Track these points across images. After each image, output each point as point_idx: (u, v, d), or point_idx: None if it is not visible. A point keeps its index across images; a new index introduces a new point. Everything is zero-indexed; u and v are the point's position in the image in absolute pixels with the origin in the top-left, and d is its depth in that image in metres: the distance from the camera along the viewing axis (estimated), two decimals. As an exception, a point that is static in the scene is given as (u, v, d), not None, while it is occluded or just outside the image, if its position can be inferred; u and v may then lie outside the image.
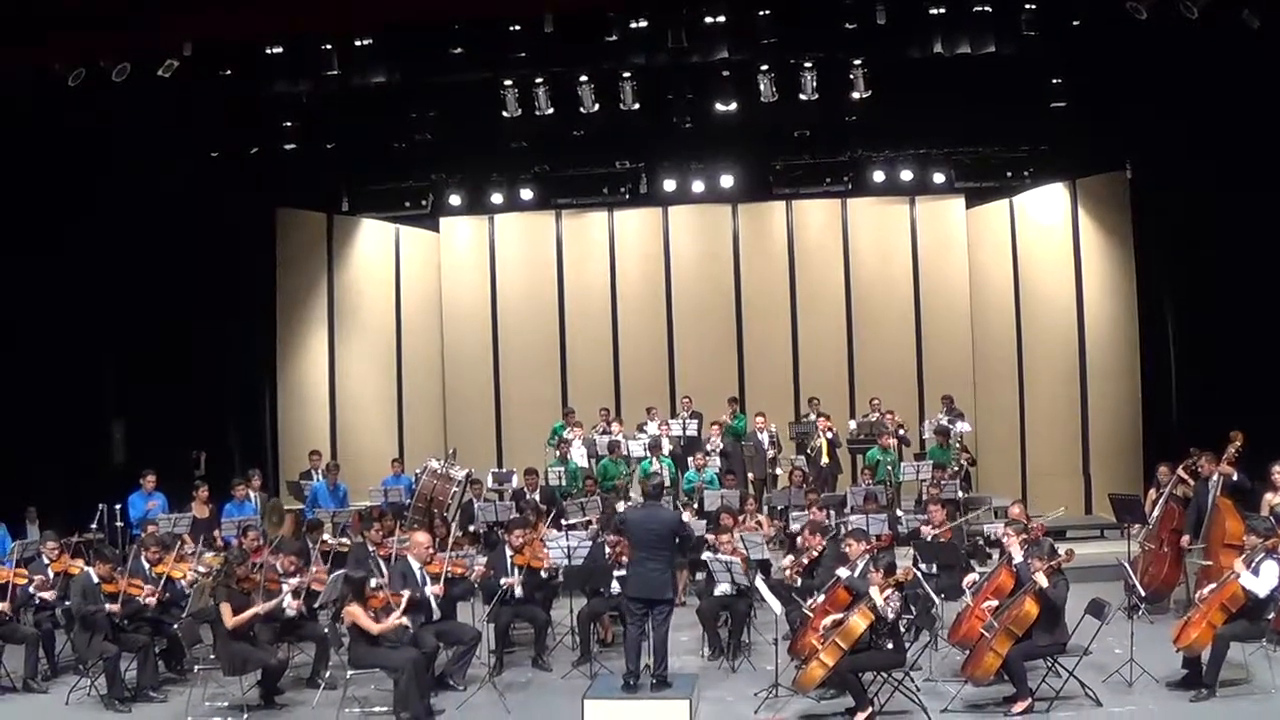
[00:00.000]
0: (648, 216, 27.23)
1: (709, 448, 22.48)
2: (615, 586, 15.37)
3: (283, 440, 25.13)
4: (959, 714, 12.96)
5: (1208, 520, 16.01)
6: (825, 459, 22.81)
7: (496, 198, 25.84)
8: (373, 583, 14.06)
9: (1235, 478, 16.14)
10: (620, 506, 18.73)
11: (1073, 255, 24.38)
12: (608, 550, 16.07)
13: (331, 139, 22.25)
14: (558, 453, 22.76)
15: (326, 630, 14.91)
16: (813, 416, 23.55)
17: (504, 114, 20.96)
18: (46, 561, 15.92)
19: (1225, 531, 15.42)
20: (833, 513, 18.74)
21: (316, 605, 14.90)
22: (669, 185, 25.32)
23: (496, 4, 18.39)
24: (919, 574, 14.42)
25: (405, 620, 13.46)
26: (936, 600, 14.51)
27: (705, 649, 15.73)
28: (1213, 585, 13.42)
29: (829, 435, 22.96)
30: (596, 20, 18.66)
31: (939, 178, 24.78)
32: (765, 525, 18.46)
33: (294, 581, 14.69)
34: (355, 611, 13.34)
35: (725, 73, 20.44)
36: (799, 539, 16.42)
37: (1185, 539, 16.31)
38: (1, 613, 14.68)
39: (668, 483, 21.11)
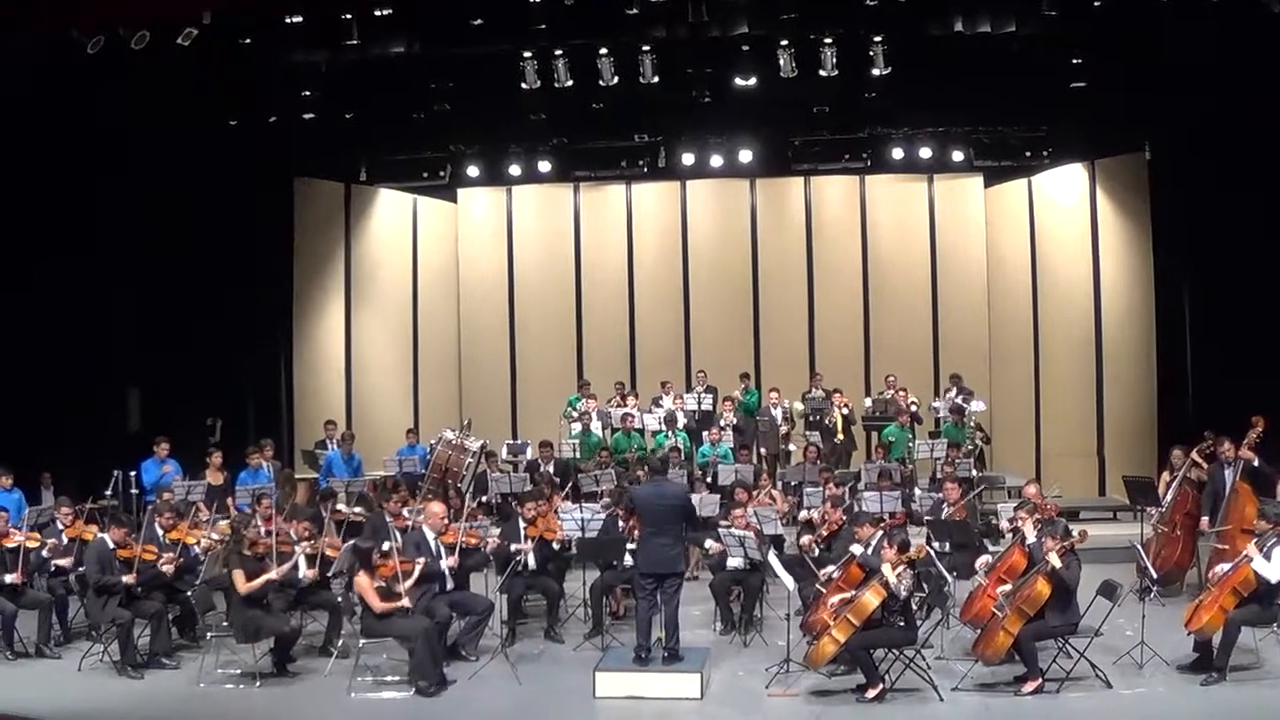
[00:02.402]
0: (666, 190, 27.18)
1: (722, 423, 22.46)
2: (628, 559, 15.39)
3: (298, 409, 25.17)
4: (970, 693, 12.96)
5: (1225, 504, 16.01)
6: (840, 435, 22.82)
7: (514, 169, 25.81)
8: (385, 545, 14.10)
9: (1256, 463, 16.12)
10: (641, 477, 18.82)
11: (1090, 236, 24.35)
12: (621, 523, 16.10)
13: (350, 109, 22.25)
14: (578, 424, 22.79)
15: (339, 599, 14.96)
16: (819, 392, 23.49)
17: (523, 86, 20.99)
18: (61, 527, 15.99)
19: (1243, 516, 15.38)
20: (847, 489, 18.76)
21: (330, 574, 14.96)
22: (687, 159, 25.27)
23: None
24: (932, 552, 14.45)
25: (406, 602, 13.48)
26: (949, 579, 14.53)
27: (717, 623, 15.75)
28: (1225, 567, 13.41)
29: (845, 411, 22.96)
30: (617, -7, 18.72)
31: (958, 156, 24.71)
32: (779, 501, 18.47)
33: (306, 546, 14.73)
34: (363, 584, 13.40)
35: (745, 47, 20.46)
36: (818, 512, 16.50)
37: (1204, 521, 16.28)
38: (15, 583, 14.73)
39: (682, 458, 21.09)
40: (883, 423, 22.77)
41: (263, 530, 14.84)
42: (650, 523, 13.67)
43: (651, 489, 14.15)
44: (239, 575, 13.72)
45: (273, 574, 13.91)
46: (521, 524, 15.63)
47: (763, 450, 22.57)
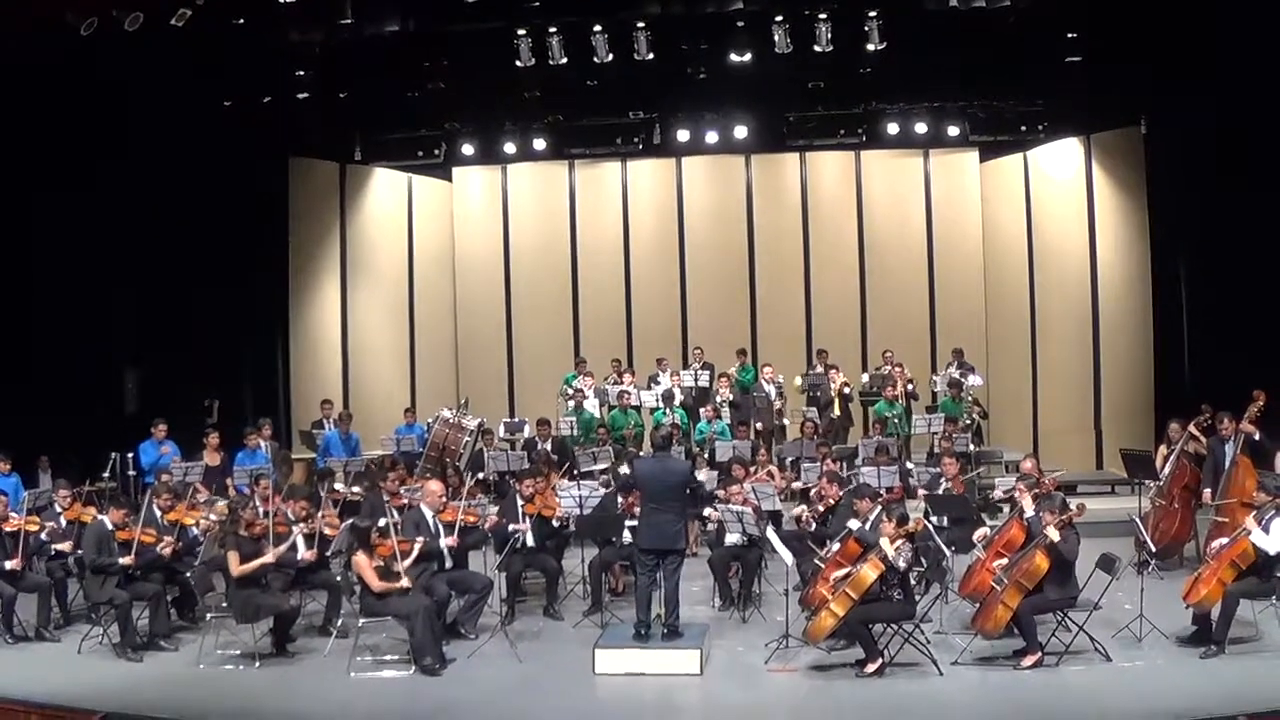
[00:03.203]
0: (661, 167, 27.16)
1: (719, 400, 22.47)
2: (627, 536, 15.40)
3: (295, 389, 25.19)
4: (969, 667, 12.98)
5: (1225, 478, 15.99)
6: (836, 411, 22.82)
7: (509, 147, 25.74)
8: (381, 522, 14.10)
9: (1257, 436, 16.11)
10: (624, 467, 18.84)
11: (1086, 210, 24.33)
12: (620, 500, 16.10)
13: (344, 88, 22.23)
14: (571, 402, 22.79)
15: (339, 578, 14.97)
16: (820, 369, 23.52)
17: (517, 63, 20.96)
18: (59, 510, 15.99)
19: (1244, 489, 15.38)
20: (844, 465, 18.76)
21: (329, 553, 14.97)
22: (682, 136, 25.18)
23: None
24: (930, 526, 14.46)
25: (405, 582, 13.50)
26: (947, 553, 14.54)
27: (716, 599, 15.77)
28: (1224, 541, 13.42)
29: (846, 391, 22.96)
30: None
31: (953, 131, 24.65)
32: (777, 476, 18.48)
33: (303, 526, 14.74)
34: (361, 563, 13.43)
35: (740, 23, 20.42)
36: (814, 489, 16.50)
37: (1206, 494, 16.25)
38: (15, 570, 14.70)
39: (680, 435, 21.08)
40: (878, 398, 22.78)
41: (260, 511, 14.84)
42: (652, 498, 13.67)
43: (654, 465, 14.11)
44: (233, 557, 13.73)
45: (268, 558, 13.92)
46: (519, 501, 15.63)
47: (758, 426, 22.55)
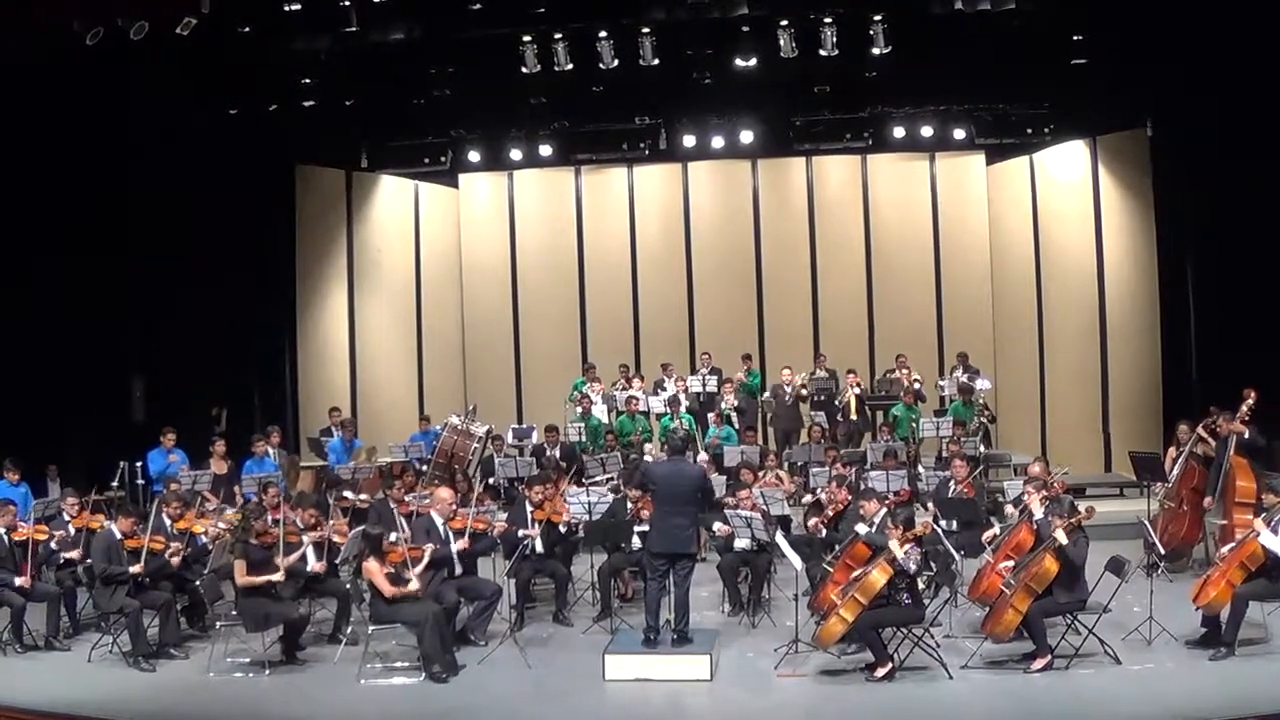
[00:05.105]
0: (667, 172, 27.14)
1: (723, 406, 22.45)
2: (636, 542, 15.42)
3: (302, 396, 25.17)
4: (979, 670, 12.97)
5: (1222, 478, 15.97)
6: (854, 415, 22.81)
7: (516, 154, 25.74)
8: (392, 536, 14.12)
9: (1247, 435, 16.07)
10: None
11: (1093, 213, 24.26)
12: (629, 505, 16.10)
13: (350, 95, 22.21)
14: (579, 408, 22.79)
15: (348, 586, 14.98)
16: (823, 373, 23.48)
17: (523, 70, 20.97)
18: (67, 519, 15.99)
19: (1237, 490, 15.37)
20: (854, 469, 18.76)
21: (338, 561, 14.98)
22: (688, 141, 25.21)
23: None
24: (939, 530, 14.45)
25: (415, 586, 13.51)
26: (956, 557, 14.54)
27: (725, 604, 15.78)
28: (1232, 544, 13.41)
29: (856, 391, 22.94)
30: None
31: (959, 134, 24.65)
32: (785, 481, 18.47)
33: (313, 535, 14.75)
34: (373, 569, 13.43)
35: (745, 28, 20.40)
36: (825, 494, 16.50)
37: (1208, 499, 16.26)
38: (22, 587, 14.67)
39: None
40: (888, 401, 22.76)
41: (270, 519, 14.86)
42: (666, 502, 13.64)
43: (670, 468, 14.06)
44: (240, 565, 13.77)
45: (277, 575, 13.95)
46: (528, 507, 15.62)
47: (773, 430, 22.55)
